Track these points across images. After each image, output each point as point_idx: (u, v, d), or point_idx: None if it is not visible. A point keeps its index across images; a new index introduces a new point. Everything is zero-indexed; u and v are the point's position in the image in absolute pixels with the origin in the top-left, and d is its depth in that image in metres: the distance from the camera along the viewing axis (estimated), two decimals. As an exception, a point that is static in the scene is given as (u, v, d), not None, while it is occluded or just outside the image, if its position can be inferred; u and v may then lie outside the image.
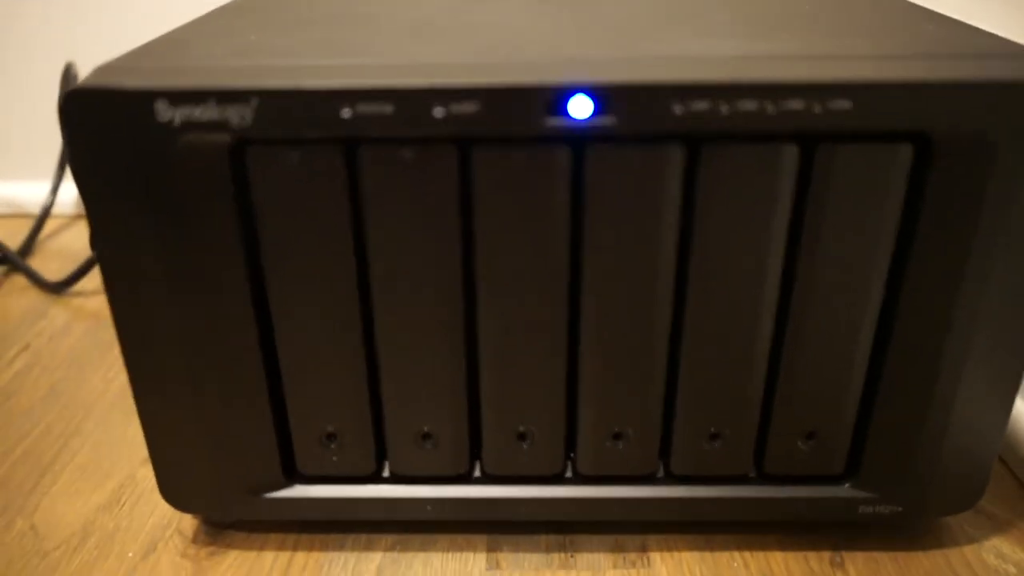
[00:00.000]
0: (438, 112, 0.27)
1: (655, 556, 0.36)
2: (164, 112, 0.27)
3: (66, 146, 0.28)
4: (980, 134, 0.27)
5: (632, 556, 0.36)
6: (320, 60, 0.29)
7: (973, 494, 0.34)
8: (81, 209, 0.71)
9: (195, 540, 0.37)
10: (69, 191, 0.71)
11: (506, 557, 0.36)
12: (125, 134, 0.27)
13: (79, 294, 0.59)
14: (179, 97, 0.27)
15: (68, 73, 0.65)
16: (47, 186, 0.72)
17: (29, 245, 0.64)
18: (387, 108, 0.27)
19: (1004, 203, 0.28)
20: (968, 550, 0.36)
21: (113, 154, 0.28)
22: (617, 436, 0.34)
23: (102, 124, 0.27)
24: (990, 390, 0.32)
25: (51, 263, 0.64)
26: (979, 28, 0.32)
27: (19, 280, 0.61)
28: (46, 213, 0.67)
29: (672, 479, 0.35)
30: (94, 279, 0.61)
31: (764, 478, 0.35)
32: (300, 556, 0.36)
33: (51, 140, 0.73)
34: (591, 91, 0.27)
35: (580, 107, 0.27)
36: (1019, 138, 0.27)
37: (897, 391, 0.32)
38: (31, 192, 0.73)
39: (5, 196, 0.73)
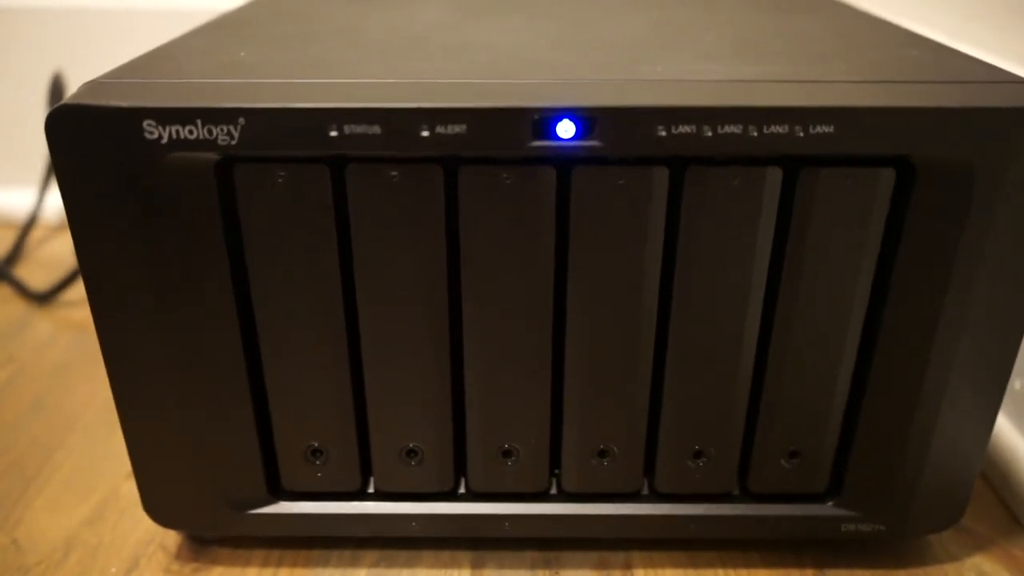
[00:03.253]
0: (425, 132, 0.27)
1: (639, 573, 0.36)
2: (151, 130, 0.27)
3: (52, 162, 0.27)
4: (961, 159, 0.28)
5: (616, 573, 0.36)
6: (308, 78, 0.29)
7: (955, 512, 0.35)
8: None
9: (179, 556, 0.37)
10: (55, 200, 0.71)
11: (491, 573, 0.36)
12: (112, 152, 0.27)
13: (65, 304, 0.59)
14: (167, 116, 0.27)
15: (55, 83, 0.65)
16: (32, 194, 0.71)
17: (14, 254, 0.64)
18: (375, 128, 0.27)
19: (984, 227, 0.29)
20: (950, 568, 0.36)
21: (99, 171, 0.28)
22: (602, 453, 0.34)
23: (89, 141, 0.27)
24: (972, 409, 0.32)
25: (37, 272, 0.64)
26: (962, 52, 0.33)
27: (4, 290, 0.61)
28: (31, 222, 0.66)
29: (656, 496, 0.36)
30: (80, 289, 0.60)
31: (748, 496, 0.36)
32: (284, 572, 0.36)
33: (37, 148, 0.72)
34: (577, 114, 0.27)
35: (566, 129, 0.27)
36: (999, 163, 0.28)
37: (879, 410, 0.33)
38: (16, 200, 0.72)
39: (-9, 204, 0.73)
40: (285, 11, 0.41)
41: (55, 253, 0.67)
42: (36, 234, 0.70)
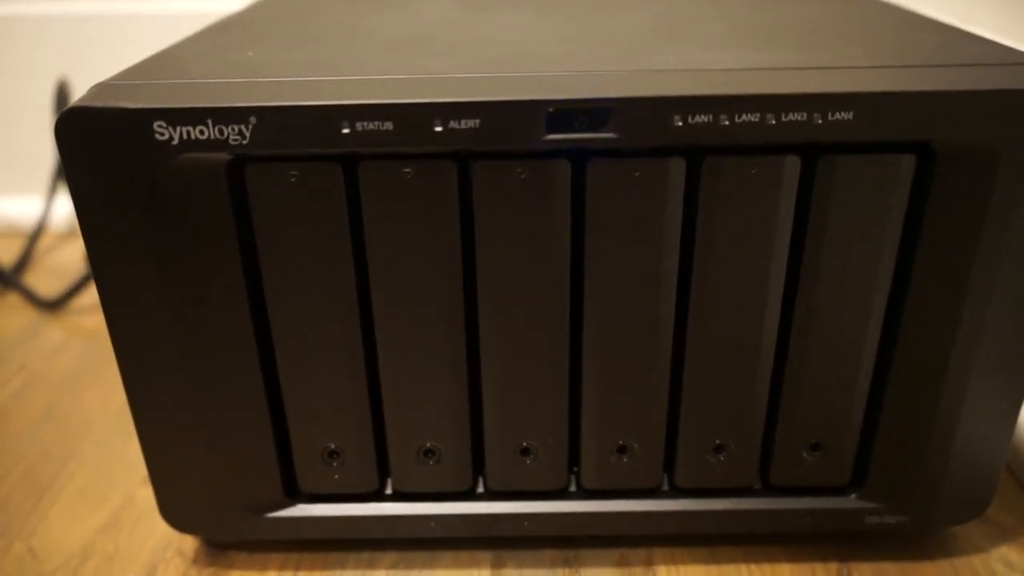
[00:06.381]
0: (438, 128, 0.27)
1: (660, 570, 0.36)
2: (162, 131, 0.27)
3: (63, 165, 0.27)
4: (982, 143, 0.27)
5: (637, 570, 0.36)
6: (318, 76, 0.29)
7: (980, 503, 0.34)
8: (75, 225, 0.70)
9: (196, 561, 0.37)
10: (63, 207, 0.71)
11: (510, 573, 0.36)
12: (123, 153, 0.27)
13: (75, 311, 0.59)
14: (177, 117, 0.26)
15: (61, 89, 0.65)
16: (39, 202, 0.71)
17: (23, 262, 0.64)
18: (387, 124, 0.27)
19: (1007, 211, 0.28)
20: (976, 559, 0.36)
21: (110, 173, 0.27)
22: (621, 449, 0.34)
23: (100, 144, 0.27)
24: (996, 398, 0.32)
25: (45, 280, 0.63)
26: (978, 35, 0.32)
27: (13, 298, 0.61)
28: (40, 230, 0.66)
29: (677, 492, 0.35)
30: (90, 296, 0.60)
31: (769, 490, 0.35)
32: (302, 575, 0.36)
33: (43, 155, 0.72)
34: (591, 106, 0.27)
35: (580, 122, 0.27)
36: (1021, 146, 0.27)
37: (902, 401, 0.32)
38: (23, 208, 0.72)
39: (-2, 213, 0.73)
40: (290, 11, 0.41)
41: (63, 260, 0.67)
42: (44, 242, 0.70)
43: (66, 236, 0.71)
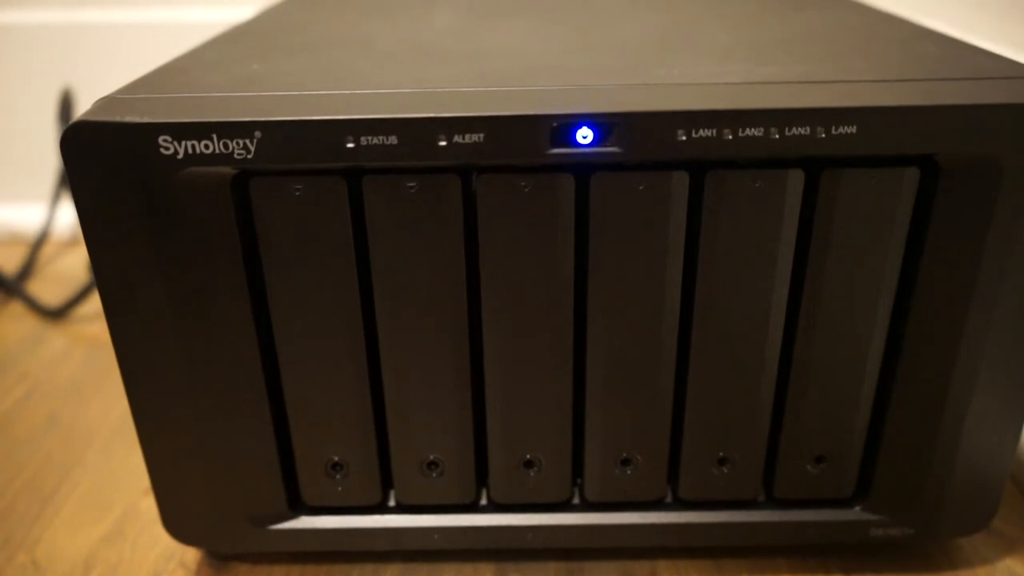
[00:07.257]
0: (443, 142, 0.27)
1: (664, 582, 0.36)
2: (167, 146, 0.27)
3: (68, 179, 0.27)
4: (986, 156, 0.27)
5: (641, 582, 0.36)
6: (323, 90, 0.29)
7: (985, 515, 0.34)
8: (78, 233, 0.70)
9: (199, 572, 0.37)
10: (66, 215, 0.71)
11: (514, 585, 0.36)
12: (128, 167, 0.27)
13: (78, 319, 0.59)
14: (182, 131, 0.26)
15: (65, 98, 0.65)
16: (42, 210, 0.71)
17: (26, 270, 0.64)
18: (391, 138, 0.27)
19: (1011, 224, 0.28)
20: (981, 571, 0.36)
21: (115, 187, 0.27)
22: (625, 462, 0.34)
23: (104, 157, 0.27)
24: (1000, 410, 0.32)
25: (49, 288, 0.63)
26: (981, 48, 0.32)
27: (16, 306, 0.61)
28: (43, 238, 0.66)
29: (680, 504, 0.35)
30: (93, 304, 0.60)
31: (773, 502, 0.35)
32: (306, 587, 0.36)
33: (46, 163, 0.72)
34: (595, 120, 0.27)
35: (584, 136, 0.27)
36: (1025, 160, 0.27)
37: (907, 413, 0.32)
38: (26, 217, 0.72)
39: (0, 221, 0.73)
40: (296, 22, 0.41)
41: (67, 269, 0.67)
42: (47, 250, 0.70)
43: (69, 244, 0.71)
